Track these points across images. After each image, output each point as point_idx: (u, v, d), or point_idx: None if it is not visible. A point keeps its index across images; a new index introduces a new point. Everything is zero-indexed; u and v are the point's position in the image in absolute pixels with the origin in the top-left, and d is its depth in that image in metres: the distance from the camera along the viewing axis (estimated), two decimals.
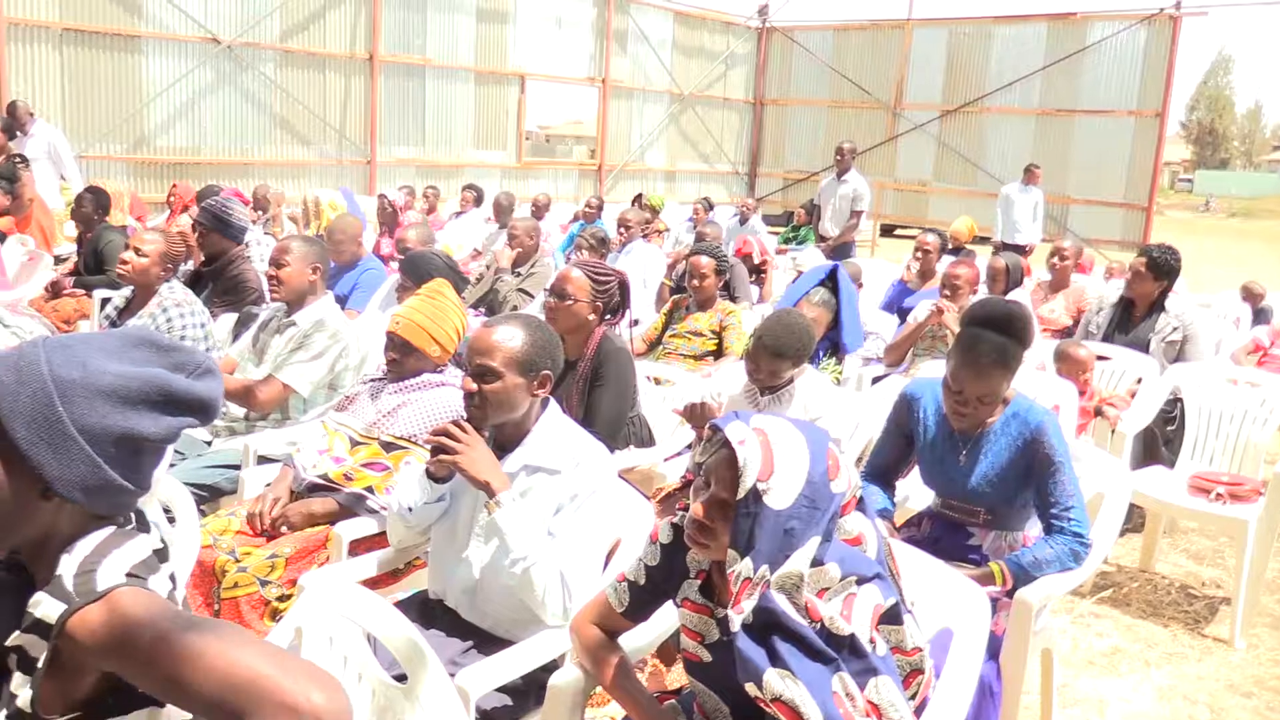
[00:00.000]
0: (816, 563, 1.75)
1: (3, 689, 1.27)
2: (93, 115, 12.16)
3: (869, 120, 19.14)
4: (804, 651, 1.70)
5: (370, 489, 2.95)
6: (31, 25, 11.59)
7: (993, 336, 2.73)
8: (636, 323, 6.45)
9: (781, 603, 1.70)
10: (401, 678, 1.88)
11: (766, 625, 1.71)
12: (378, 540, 2.90)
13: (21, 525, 1.28)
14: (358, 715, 1.88)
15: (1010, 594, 2.64)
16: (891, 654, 1.78)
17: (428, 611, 2.49)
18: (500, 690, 2.21)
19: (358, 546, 2.88)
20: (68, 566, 1.25)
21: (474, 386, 2.36)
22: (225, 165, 13.19)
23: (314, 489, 3.03)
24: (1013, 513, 2.82)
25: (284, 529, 2.96)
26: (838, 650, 1.71)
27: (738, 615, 1.71)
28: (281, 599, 2.76)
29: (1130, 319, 5.14)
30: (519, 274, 6.41)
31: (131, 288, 3.99)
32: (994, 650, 2.55)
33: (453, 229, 10.02)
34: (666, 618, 2.16)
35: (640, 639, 2.18)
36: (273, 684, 1.09)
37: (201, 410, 1.34)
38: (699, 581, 1.94)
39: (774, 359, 3.39)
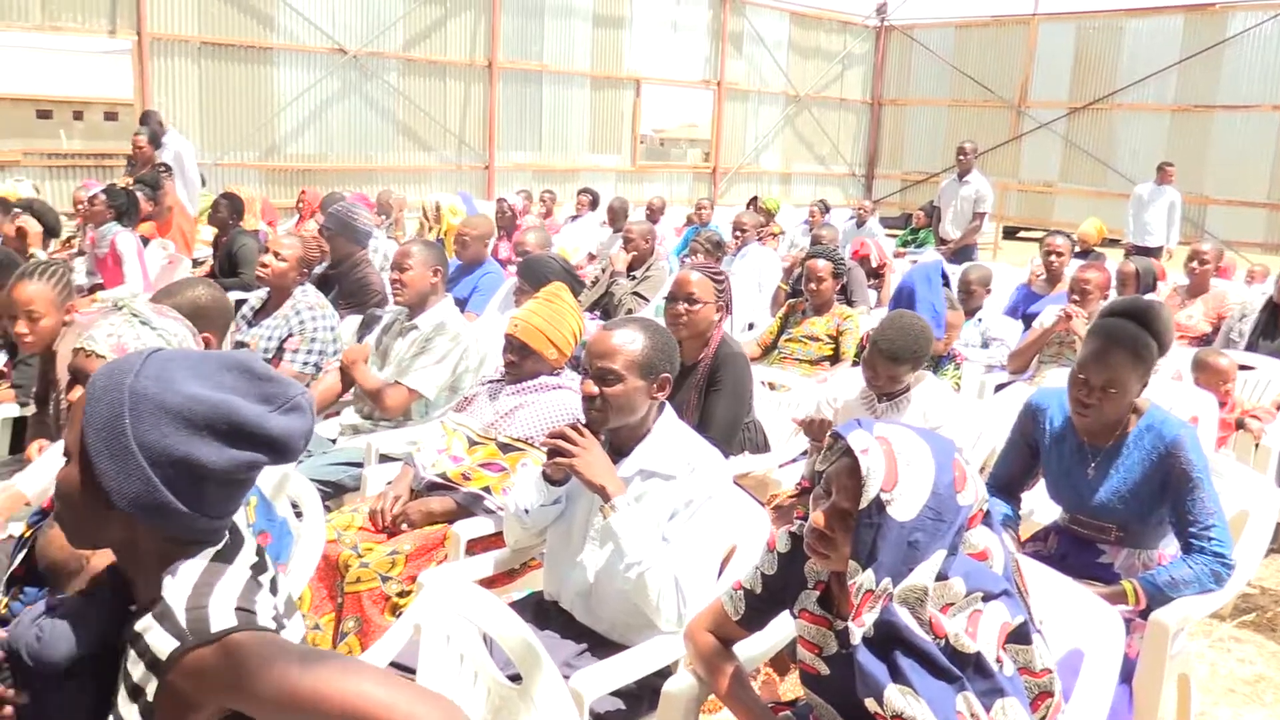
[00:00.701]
0: (941, 577, 1.69)
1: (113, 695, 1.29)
2: (227, 124, 12.72)
3: (991, 119, 18.61)
4: (927, 668, 1.65)
5: (487, 489, 2.99)
6: (172, 40, 12.19)
7: (1128, 325, 2.62)
8: (751, 326, 6.44)
9: (904, 617, 1.65)
10: (515, 678, 1.90)
11: (888, 639, 1.66)
12: (494, 540, 2.94)
13: (92, 530, 1.28)
14: (472, 714, 1.90)
15: (1144, 615, 2.52)
16: (1019, 675, 1.71)
17: (543, 612, 2.51)
18: (614, 694, 2.21)
19: (474, 546, 2.93)
20: (175, 596, 1.24)
21: (595, 390, 2.36)
22: (350, 171, 13.64)
23: (433, 488, 3.09)
24: (1147, 530, 2.69)
25: (404, 526, 3.03)
26: (962, 668, 1.65)
27: (858, 628, 1.67)
28: (401, 595, 2.82)
29: (1277, 326, 4.86)
30: (634, 277, 6.43)
31: (267, 290, 4.14)
32: (1126, 674, 2.44)
33: (568, 233, 10.13)
34: (782, 627, 2.13)
35: (755, 648, 2.16)
36: (391, 713, 1.11)
37: (272, 448, 1.26)
38: (817, 592, 1.90)
39: (891, 363, 3.30)
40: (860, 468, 1.68)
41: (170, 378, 1.23)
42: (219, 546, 1.32)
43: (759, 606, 2.02)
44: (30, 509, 2.40)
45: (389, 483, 3.22)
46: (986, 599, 1.71)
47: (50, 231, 6.70)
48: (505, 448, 3.04)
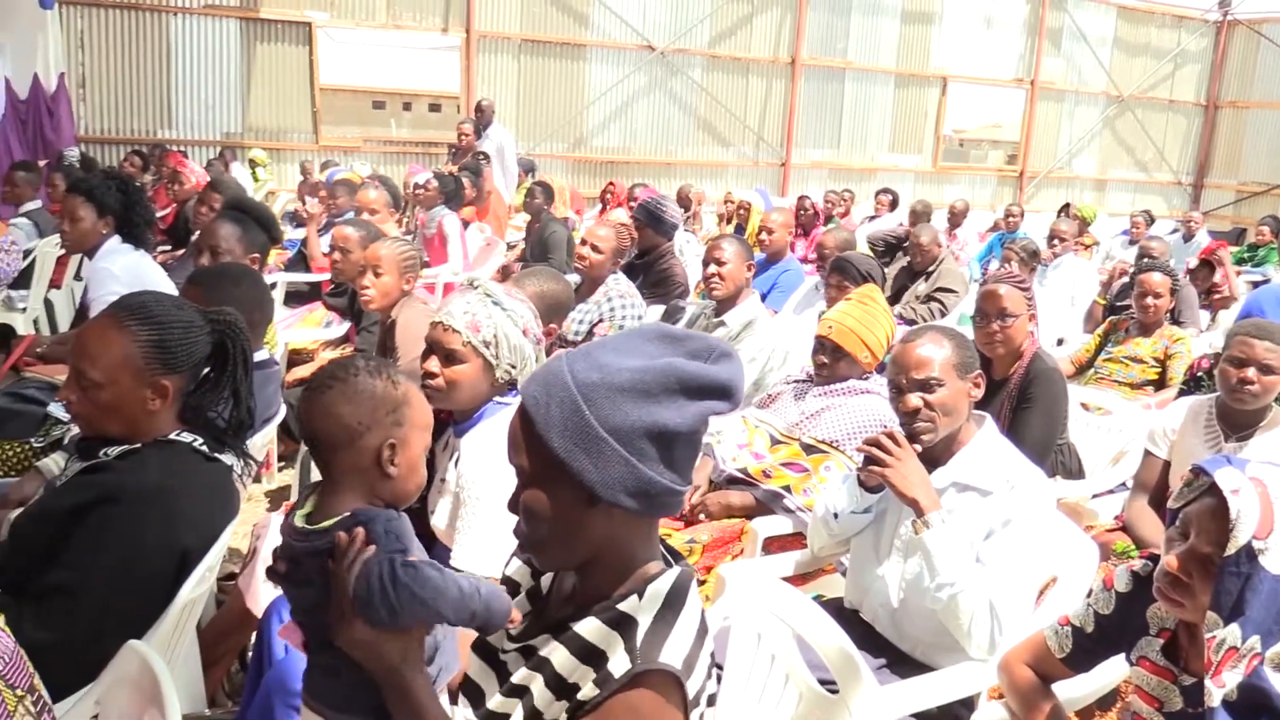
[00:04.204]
0: None
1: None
2: (541, 117, 13.48)
3: None
4: None
5: (788, 488, 2.98)
6: (496, 37, 13.06)
7: None
8: (1062, 342, 6.04)
9: (1279, 684, 1.48)
10: (824, 683, 1.87)
11: (1255, 707, 1.49)
12: (791, 540, 2.92)
13: (577, 538, 1.28)
14: (781, 715, 1.89)
15: None
16: None
17: (842, 621, 2.46)
18: (914, 716, 2.14)
19: (770, 544, 2.92)
20: (642, 613, 1.27)
21: (918, 403, 2.29)
22: (651, 165, 14.06)
23: (732, 481, 3.11)
24: None
25: (701, 516, 3.07)
26: None
27: (1218, 689, 1.51)
28: (696, 584, 2.86)
29: None
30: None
31: (580, 278, 4.34)
32: None
33: (864, 233, 9.93)
34: (1109, 671, 1.97)
35: (1077, 689, 2.01)
36: None
37: (722, 393, 1.26)
38: (1161, 640, 1.74)
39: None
40: (1229, 510, 1.52)
41: (604, 362, 1.25)
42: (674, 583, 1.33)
43: (1088, 647, 1.88)
44: None
45: None
46: None
47: (395, 203, 7.33)
48: (809, 449, 3.01)
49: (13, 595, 1.75)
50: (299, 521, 1.48)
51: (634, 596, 1.29)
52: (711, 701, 1.35)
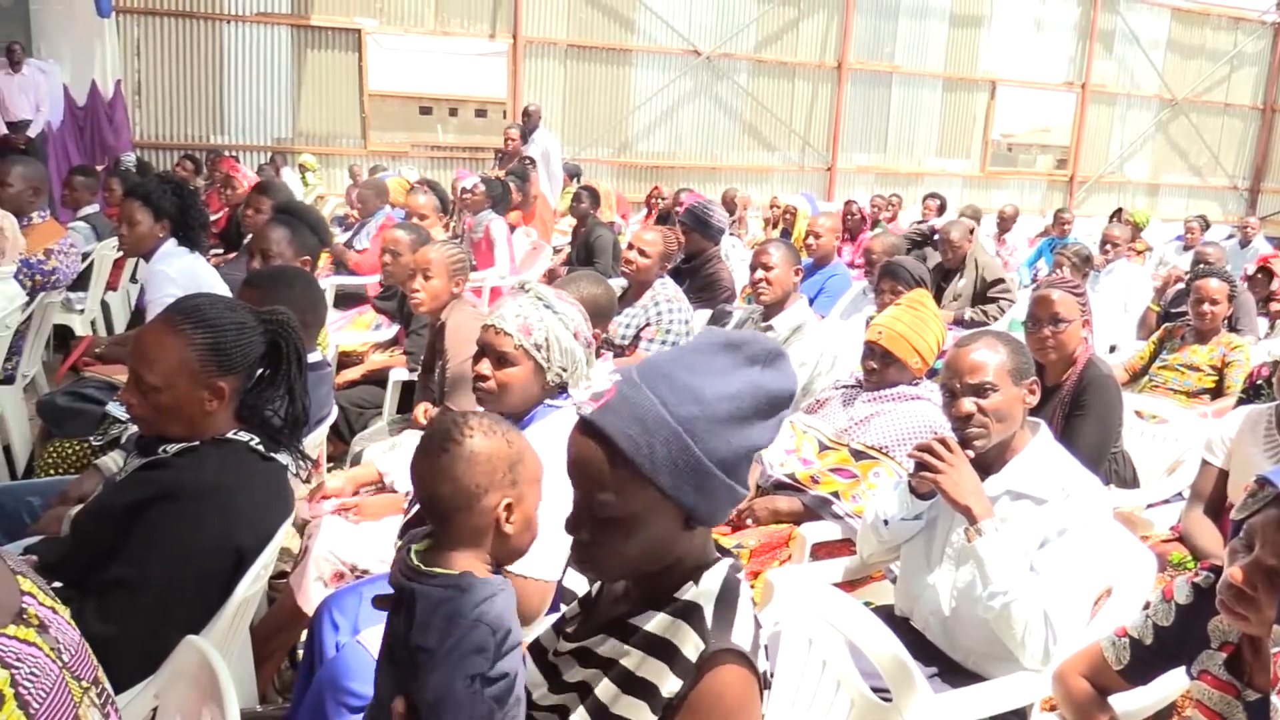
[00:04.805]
0: None
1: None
2: (586, 122, 13.54)
3: None
4: None
5: (836, 494, 2.95)
6: (543, 43, 13.14)
7: None
8: (1115, 348, 5.94)
9: None
10: (876, 691, 1.85)
11: None
12: (838, 547, 2.90)
13: (664, 555, 1.32)
14: None
15: None
16: None
17: (892, 628, 2.43)
18: None
19: (818, 550, 2.90)
20: (704, 599, 1.30)
21: (972, 408, 2.26)
22: (695, 169, 14.06)
23: (779, 487, 3.09)
24: None
25: (749, 521, 3.05)
26: None
27: None
28: None
29: None
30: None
31: (627, 282, 4.35)
32: None
33: None
34: (1167, 685, 1.93)
35: (1135, 702, 1.97)
36: None
37: (789, 400, 1.31)
38: (1224, 654, 1.70)
39: None
40: None
41: (689, 388, 1.25)
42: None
43: (1146, 659, 1.84)
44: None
45: None
46: None
47: (442, 208, 7.40)
48: (858, 455, 2.98)
49: (76, 589, 1.78)
50: (414, 559, 1.47)
51: (691, 584, 1.32)
52: (768, 686, 1.37)
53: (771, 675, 2.04)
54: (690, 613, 1.29)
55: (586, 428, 1.26)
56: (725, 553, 1.39)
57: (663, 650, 1.28)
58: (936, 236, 6.67)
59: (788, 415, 1.31)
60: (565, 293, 2.41)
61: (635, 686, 1.28)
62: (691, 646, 1.27)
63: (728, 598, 1.31)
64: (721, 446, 1.24)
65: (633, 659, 1.30)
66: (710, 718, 1.24)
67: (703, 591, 1.31)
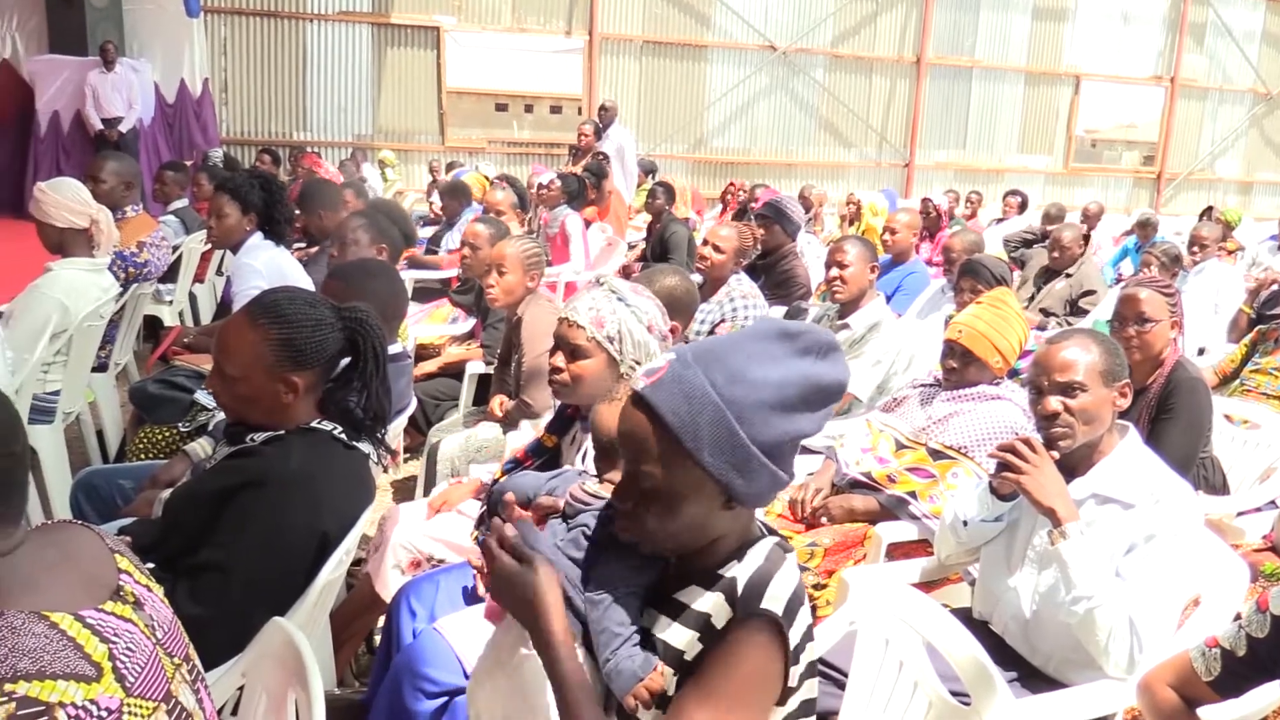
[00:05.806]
0: None
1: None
2: (661, 118, 13.55)
3: None
4: None
5: (913, 494, 2.91)
6: (619, 39, 13.18)
7: None
8: (1204, 351, 5.76)
9: None
10: (955, 694, 1.82)
11: None
12: (914, 547, 2.86)
13: (705, 533, 1.36)
14: None
15: None
16: None
17: (970, 631, 2.39)
18: None
19: (894, 550, 2.86)
20: (742, 573, 1.35)
21: (1058, 407, 2.21)
22: (771, 165, 13.99)
23: (855, 485, 3.06)
24: None
25: (823, 520, 3.03)
26: None
27: None
28: (817, 587, 2.82)
29: None
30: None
31: (702, 278, 4.34)
32: None
33: (991, 236, 9.65)
34: (1261, 698, 1.87)
35: (1224, 715, 1.91)
36: None
37: (839, 393, 1.33)
38: None
39: None
40: None
41: (740, 373, 1.27)
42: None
43: (1239, 671, 1.77)
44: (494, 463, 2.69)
45: (810, 474, 3.24)
46: None
47: (521, 204, 7.47)
48: (936, 454, 2.94)
49: (168, 570, 1.84)
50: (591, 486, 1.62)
51: (734, 561, 1.36)
52: (811, 671, 1.38)
53: (845, 674, 2.03)
54: (729, 587, 1.34)
55: (637, 401, 1.31)
56: (772, 533, 1.43)
57: (703, 625, 1.34)
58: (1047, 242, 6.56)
59: (836, 407, 1.32)
60: (642, 286, 2.41)
61: (677, 663, 1.34)
62: (720, 616, 1.32)
63: (766, 566, 1.34)
64: (766, 431, 1.27)
65: (680, 637, 1.35)
66: (721, 670, 1.28)
67: (743, 566, 1.35)
